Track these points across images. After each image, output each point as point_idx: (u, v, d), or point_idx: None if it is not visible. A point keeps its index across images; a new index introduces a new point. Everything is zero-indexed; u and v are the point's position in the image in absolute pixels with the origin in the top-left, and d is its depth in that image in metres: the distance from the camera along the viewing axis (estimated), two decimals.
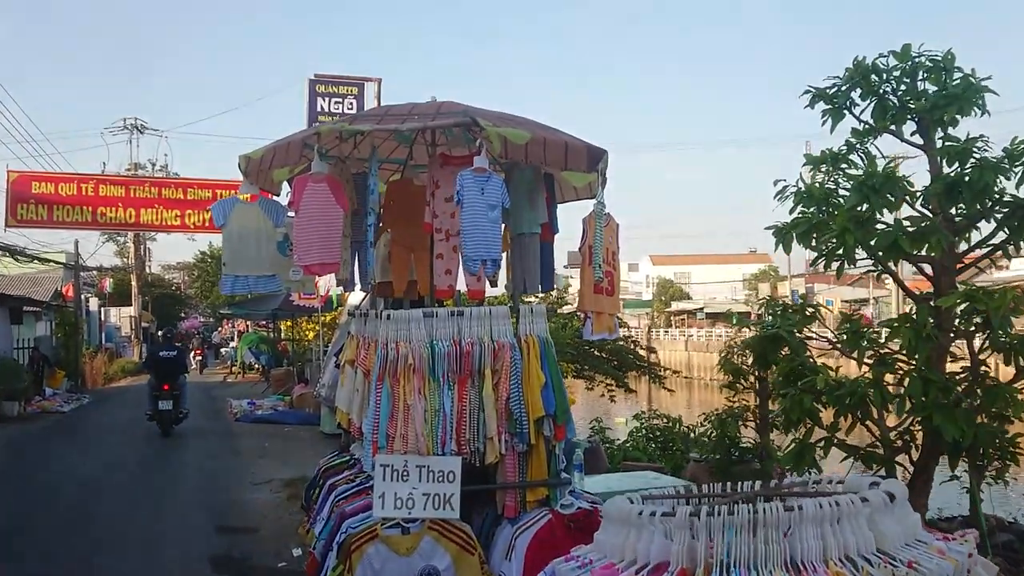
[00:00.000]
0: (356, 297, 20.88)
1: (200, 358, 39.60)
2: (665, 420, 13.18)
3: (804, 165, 6.37)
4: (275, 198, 7.78)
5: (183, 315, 64.00)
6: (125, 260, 51.00)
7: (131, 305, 46.67)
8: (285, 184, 7.97)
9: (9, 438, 17.92)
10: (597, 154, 6.55)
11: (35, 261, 28.06)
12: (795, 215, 6.21)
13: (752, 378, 8.28)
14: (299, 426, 18.97)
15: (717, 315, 63.16)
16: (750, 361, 8.13)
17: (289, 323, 34.13)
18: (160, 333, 22.34)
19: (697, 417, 11.11)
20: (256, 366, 34.22)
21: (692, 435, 11.74)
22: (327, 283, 18.01)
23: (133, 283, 46.13)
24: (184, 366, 19.15)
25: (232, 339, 47.23)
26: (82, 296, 36.48)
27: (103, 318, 45.08)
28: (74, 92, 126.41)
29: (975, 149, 5.98)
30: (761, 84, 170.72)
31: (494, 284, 8.31)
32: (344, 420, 7.46)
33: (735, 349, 8.40)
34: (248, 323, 43.50)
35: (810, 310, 7.00)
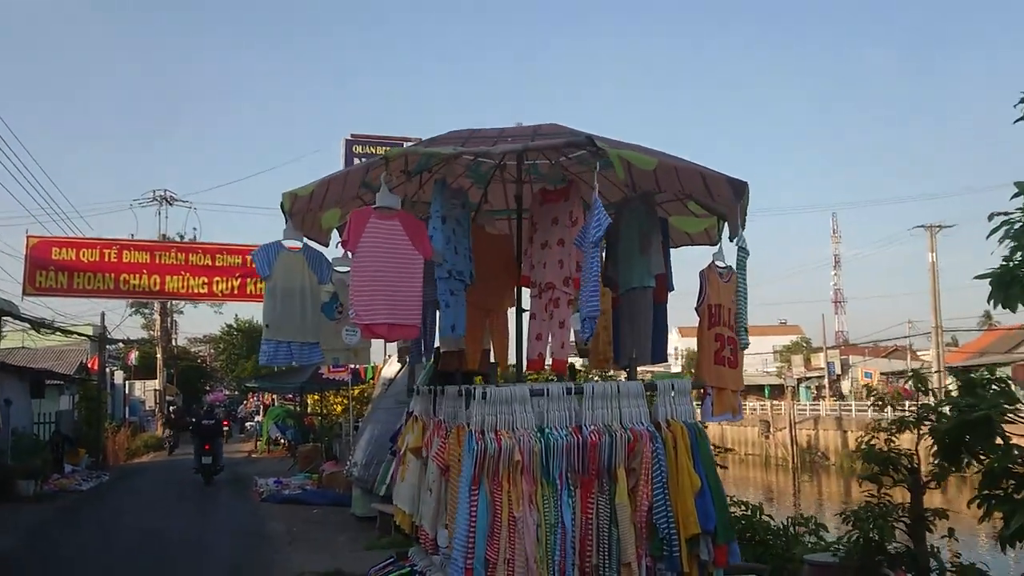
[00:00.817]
0: (391, 369, 19.39)
1: (227, 427, 38.02)
2: (744, 507, 11.42)
3: (1014, 196, 4.77)
4: (321, 248, 6.31)
5: (208, 388, 62.58)
6: (151, 333, 49.70)
7: (156, 378, 45.23)
8: (335, 234, 6.49)
9: (17, 522, 16.27)
10: (739, 185, 5.04)
11: (57, 333, 26.65)
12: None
13: (904, 470, 6.60)
14: (329, 507, 17.35)
15: (748, 388, 60.68)
16: (903, 446, 6.51)
17: (316, 396, 32.56)
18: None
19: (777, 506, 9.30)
20: (282, 441, 32.50)
21: (790, 530, 9.93)
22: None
23: (158, 356, 44.74)
24: (221, 431, 24.43)
25: (257, 413, 45.52)
26: (107, 369, 35.06)
27: (127, 391, 43.59)
28: (102, 164, 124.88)
29: None
30: (779, 152, 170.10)
31: (583, 353, 6.76)
32: (405, 522, 5.87)
33: (880, 432, 6.74)
34: (274, 396, 41.92)
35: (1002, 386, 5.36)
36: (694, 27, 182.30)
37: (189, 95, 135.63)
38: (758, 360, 64.33)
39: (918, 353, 50.50)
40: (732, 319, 5.81)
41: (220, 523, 16.00)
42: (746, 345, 5.40)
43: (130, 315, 45.81)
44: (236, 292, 17.39)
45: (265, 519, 16.33)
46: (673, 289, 5.82)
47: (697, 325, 5.74)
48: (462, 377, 7.52)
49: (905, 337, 47.19)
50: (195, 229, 40.75)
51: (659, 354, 5.67)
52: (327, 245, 6.38)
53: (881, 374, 49.83)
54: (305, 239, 5.81)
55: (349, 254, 6.36)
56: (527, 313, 5.54)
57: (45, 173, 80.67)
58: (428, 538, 4.99)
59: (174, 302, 48.79)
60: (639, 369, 5.39)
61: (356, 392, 24.73)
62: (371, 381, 24.81)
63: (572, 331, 5.12)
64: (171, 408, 37.66)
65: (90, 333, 32.22)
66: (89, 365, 33.14)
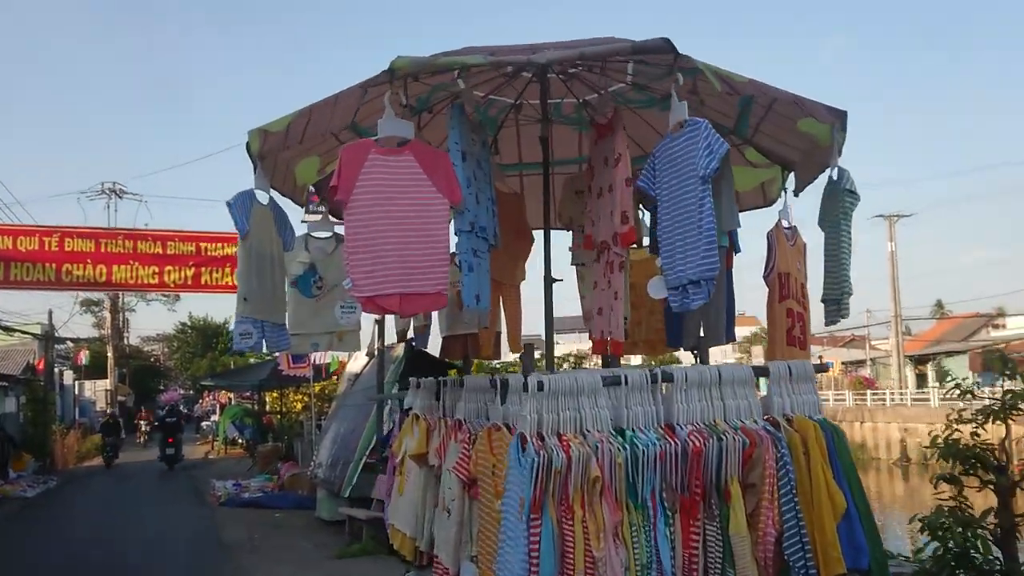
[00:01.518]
0: (357, 364, 18.03)
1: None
2: None
3: None
4: (294, 206, 5.06)
5: (162, 388, 60.39)
6: (102, 332, 47.48)
7: (107, 378, 43.11)
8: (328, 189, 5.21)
9: None
10: (840, 114, 3.93)
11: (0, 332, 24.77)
12: None
13: (992, 468, 5.49)
14: (292, 511, 16.15)
15: None
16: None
17: (275, 394, 31.05)
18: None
19: None
20: (240, 441, 30.85)
21: None
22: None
23: (109, 354, 42.63)
24: (181, 427, 28.25)
25: (213, 412, 43.60)
26: (56, 369, 33.07)
27: (77, 392, 41.44)
28: (45, 155, 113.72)
29: None
30: None
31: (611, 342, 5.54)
32: (405, 547, 4.62)
33: (962, 424, 5.62)
34: (230, 395, 40.16)
35: None
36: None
37: (136, 81, 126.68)
38: (716, 352, 63.21)
39: (875, 343, 50.29)
40: (800, 291, 4.70)
41: (176, 531, 14.62)
42: (845, 315, 4.25)
43: (80, 314, 43.74)
44: (190, 283, 15.73)
45: (224, 525, 15.00)
46: (739, 251, 4.61)
47: (766, 298, 4.61)
48: (436, 369, 6.39)
49: (862, 327, 46.83)
50: (146, 224, 38.64)
51: (730, 332, 4.48)
52: (303, 205, 5.10)
53: (842, 363, 49.48)
54: (273, 191, 4.52)
55: (331, 217, 5.12)
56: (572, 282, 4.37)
57: None
58: (448, 574, 3.75)
59: (125, 300, 46.80)
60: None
61: (317, 389, 23.28)
62: (332, 377, 23.43)
63: (625, 305, 3.93)
64: (108, 412, 33.83)
65: (37, 332, 30.37)
66: (36, 365, 31.23)
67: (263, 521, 15.21)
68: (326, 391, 24.51)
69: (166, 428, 27.33)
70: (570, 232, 5.38)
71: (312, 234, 5.08)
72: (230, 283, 15.75)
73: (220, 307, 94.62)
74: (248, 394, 35.24)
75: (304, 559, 11.82)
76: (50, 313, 31.26)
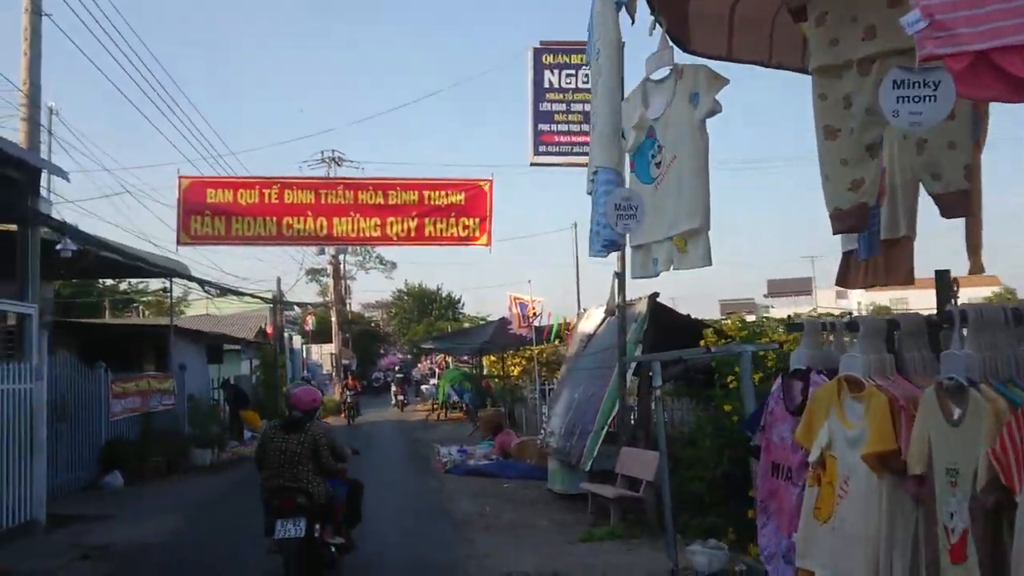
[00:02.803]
0: (590, 323, 16.04)
1: (401, 396, 36.53)
2: None
3: None
4: None
5: (382, 352, 61.85)
6: (326, 299, 48.58)
7: (331, 342, 43.86)
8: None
9: (182, 494, 14.02)
10: None
11: (227, 295, 24.52)
12: None
13: None
14: (520, 481, 14.79)
15: None
16: None
17: (493, 358, 29.85)
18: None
19: None
20: (460, 405, 29.94)
21: None
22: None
23: (333, 319, 43.27)
24: (409, 381, 41.56)
25: (432, 376, 43.39)
26: (285, 333, 33.44)
27: (305, 355, 42.32)
28: (262, 124, 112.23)
29: None
30: None
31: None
32: None
33: None
34: (448, 358, 39.59)
35: None
36: None
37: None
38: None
39: None
40: None
41: (405, 501, 13.35)
42: None
43: (305, 283, 44.73)
44: (413, 235, 13.93)
45: (452, 496, 13.71)
46: None
47: None
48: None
49: None
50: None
51: None
52: (632, 15, 2.96)
53: None
54: None
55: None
56: None
57: (211, 127, 78.44)
58: None
59: (346, 268, 47.55)
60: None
61: (537, 352, 21.59)
62: (555, 342, 21.61)
63: None
64: (303, 377, 30.05)
65: (268, 297, 30.71)
66: (267, 330, 31.63)
67: (492, 492, 13.92)
68: (544, 355, 22.79)
69: (398, 382, 37.66)
70: None
71: (650, 78, 2.92)
72: (455, 234, 14.08)
73: (434, 274, 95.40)
74: (466, 358, 34.44)
75: (544, 541, 10.13)
76: (278, 280, 31.62)
